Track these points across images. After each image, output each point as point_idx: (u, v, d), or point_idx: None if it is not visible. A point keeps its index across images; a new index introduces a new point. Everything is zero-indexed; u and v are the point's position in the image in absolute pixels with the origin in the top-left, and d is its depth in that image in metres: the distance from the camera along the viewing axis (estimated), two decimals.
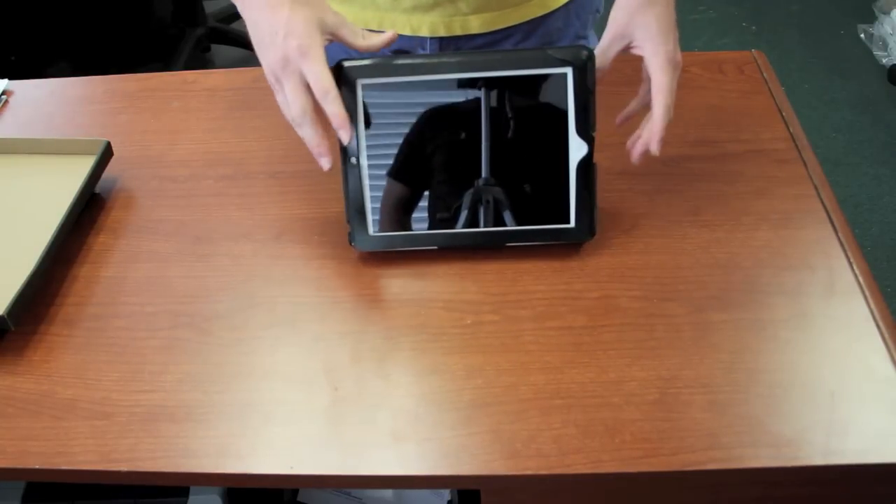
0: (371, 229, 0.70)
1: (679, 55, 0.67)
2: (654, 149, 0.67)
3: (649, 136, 0.67)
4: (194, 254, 0.74)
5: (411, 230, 0.71)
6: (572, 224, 0.69)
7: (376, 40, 0.66)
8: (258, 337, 0.66)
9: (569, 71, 0.63)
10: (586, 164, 0.68)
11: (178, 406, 0.62)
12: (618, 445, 0.57)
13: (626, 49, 0.69)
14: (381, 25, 0.88)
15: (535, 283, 0.69)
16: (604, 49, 0.69)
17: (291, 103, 0.64)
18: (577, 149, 0.66)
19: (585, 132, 0.66)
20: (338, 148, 0.68)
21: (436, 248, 0.71)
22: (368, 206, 0.70)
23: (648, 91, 0.67)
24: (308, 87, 0.63)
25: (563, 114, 0.65)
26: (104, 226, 0.77)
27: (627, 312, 0.66)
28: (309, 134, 0.64)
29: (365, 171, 0.69)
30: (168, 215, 0.78)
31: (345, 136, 0.64)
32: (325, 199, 0.77)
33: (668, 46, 0.66)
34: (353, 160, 0.68)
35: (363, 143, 0.68)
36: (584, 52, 0.64)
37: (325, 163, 0.65)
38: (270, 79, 0.65)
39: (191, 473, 0.59)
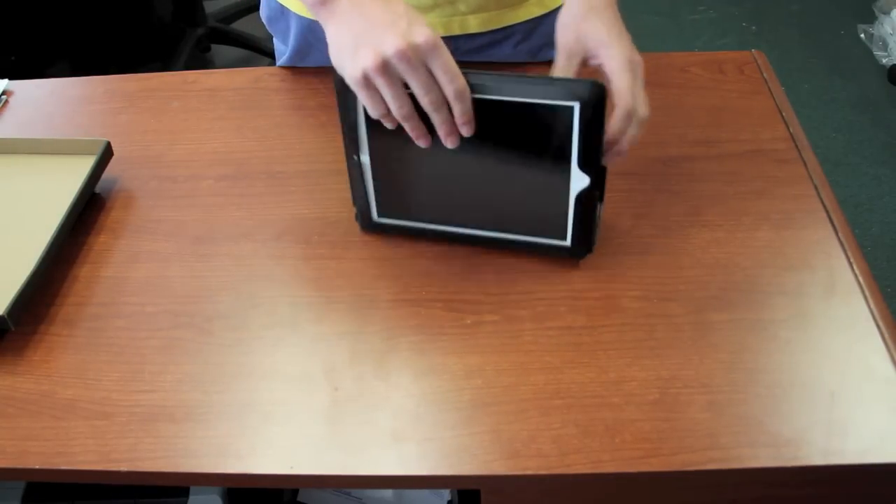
0: (375, 215, 0.72)
1: (637, 55, 0.64)
2: (619, 151, 0.64)
3: (615, 143, 0.64)
4: (194, 254, 0.74)
5: (411, 222, 0.72)
6: (568, 243, 0.68)
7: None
8: (258, 337, 0.66)
9: (576, 105, 0.60)
10: (588, 194, 0.65)
11: (178, 406, 0.62)
12: (618, 445, 0.57)
13: (584, 63, 0.66)
14: None
15: (535, 283, 0.69)
16: (562, 69, 0.67)
17: (424, 95, 0.58)
18: (577, 180, 0.64)
19: (588, 165, 0.64)
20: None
21: (434, 236, 0.72)
22: (372, 197, 0.71)
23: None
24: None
25: (567, 145, 0.63)
26: (104, 226, 0.77)
27: (627, 312, 0.66)
28: (415, 125, 0.61)
29: (367, 168, 0.69)
30: (168, 215, 0.78)
31: (467, 131, 0.61)
32: (325, 199, 0.77)
33: (622, 47, 0.64)
34: (355, 158, 0.68)
35: (365, 143, 0.67)
36: (595, 89, 0.60)
37: (424, 143, 0.62)
38: (377, 69, 0.57)
39: (191, 473, 0.59)
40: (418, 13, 0.59)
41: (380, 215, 0.72)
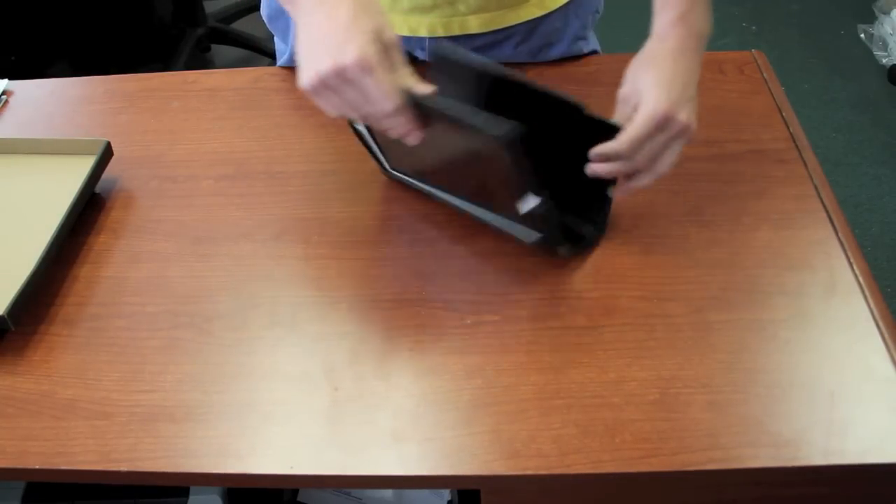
0: (388, 167, 0.76)
1: (682, 113, 0.62)
2: (622, 190, 0.66)
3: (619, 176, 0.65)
4: (194, 254, 0.74)
5: (415, 180, 0.75)
6: (538, 236, 0.68)
7: (409, 84, 0.59)
8: (258, 337, 0.66)
9: (498, 140, 0.57)
10: (541, 211, 0.63)
11: (178, 406, 0.62)
12: (618, 445, 0.57)
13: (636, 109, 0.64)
14: None
15: (535, 283, 0.69)
16: (619, 114, 0.66)
17: (355, 112, 0.59)
18: (528, 202, 0.62)
19: (531, 191, 0.62)
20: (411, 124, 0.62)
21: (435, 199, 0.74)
22: (380, 154, 0.75)
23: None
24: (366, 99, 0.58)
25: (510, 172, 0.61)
26: (104, 226, 0.77)
27: (627, 312, 0.66)
28: (389, 124, 0.60)
29: (365, 133, 0.72)
30: (168, 215, 0.78)
31: (412, 140, 0.61)
32: (325, 199, 0.77)
33: (657, 101, 0.61)
34: (352, 125, 0.72)
35: None
36: (511, 130, 0.57)
37: (414, 139, 0.61)
38: (315, 85, 0.58)
39: (191, 473, 0.59)
40: (366, 20, 0.57)
41: (392, 168, 0.76)
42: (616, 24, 1.58)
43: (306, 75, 0.58)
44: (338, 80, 0.57)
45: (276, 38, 0.98)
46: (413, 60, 0.91)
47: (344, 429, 0.60)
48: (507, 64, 0.90)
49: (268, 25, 0.96)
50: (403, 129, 0.60)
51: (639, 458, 0.57)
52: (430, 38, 0.87)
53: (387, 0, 0.85)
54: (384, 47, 0.58)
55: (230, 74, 0.94)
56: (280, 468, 0.58)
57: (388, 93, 0.57)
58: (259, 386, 0.63)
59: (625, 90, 0.67)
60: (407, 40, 0.88)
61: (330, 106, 0.60)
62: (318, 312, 0.68)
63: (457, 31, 0.87)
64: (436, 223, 0.74)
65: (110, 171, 0.81)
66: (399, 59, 0.59)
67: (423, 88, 0.59)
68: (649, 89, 0.63)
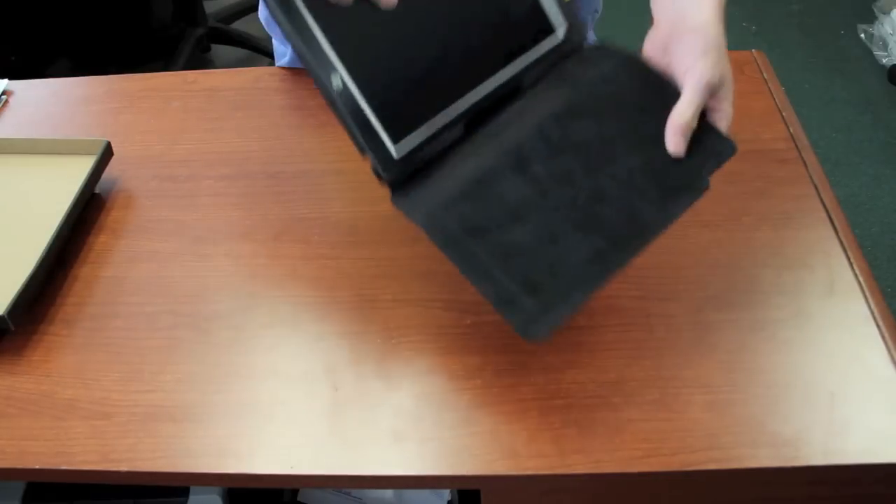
0: (391, 147, 0.59)
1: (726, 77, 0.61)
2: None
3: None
4: (194, 254, 0.74)
5: (429, 123, 0.60)
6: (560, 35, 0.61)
7: None
8: (258, 337, 0.66)
9: None
10: None
11: (178, 406, 0.62)
12: (618, 445, 0.57)
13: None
14: None
15: None
16: (696, 107, 0.61)
17: None
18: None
19: None
20: None
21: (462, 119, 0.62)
22: (377, 125, 0.58)
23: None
24: None
25: None
26: (104, 226, 0.77)
27: (627, 312, 0.66)
28: None
29: (353, 86, 0.58)
30: (168, 215, 0.78)
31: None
32: (325, 199, 0.77)
33: (710, 69, 0.60)
34: (337, 83, 0.57)
35: (335, 58, 0.57)
36: None
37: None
38: None
39: (191, 473, 0.59)
40: None
41: (396, 142, 0.59)
42: (616, 24, 1.58)
43: None
44: None
45: (274, 41, 0.98)
46: None
47: (344, 429, 0.60)
48: None
49: (266, 28, 0.96)
50: None
51: (639, 458, 0.57)
52: None
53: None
54: None
55: (230, 74, 0.94)
56: (280, 468, 0.58)
57: None
58: (259, 386, 0.63)
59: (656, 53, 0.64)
60: None
61: None
62: (318, 312, 0.68)
63: None
64: None
65: (110, 171, 0.81)
66: None
67: None
68: (698, 59, 0.60)
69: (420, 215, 0.58)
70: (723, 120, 0.62)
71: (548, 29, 0.64)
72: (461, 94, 0.61)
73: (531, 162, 0.61)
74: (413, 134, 0.60)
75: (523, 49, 0.64)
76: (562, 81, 0.65)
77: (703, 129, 0.61)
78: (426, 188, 0.61)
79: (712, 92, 0.61)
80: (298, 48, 0.57)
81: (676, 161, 0.61)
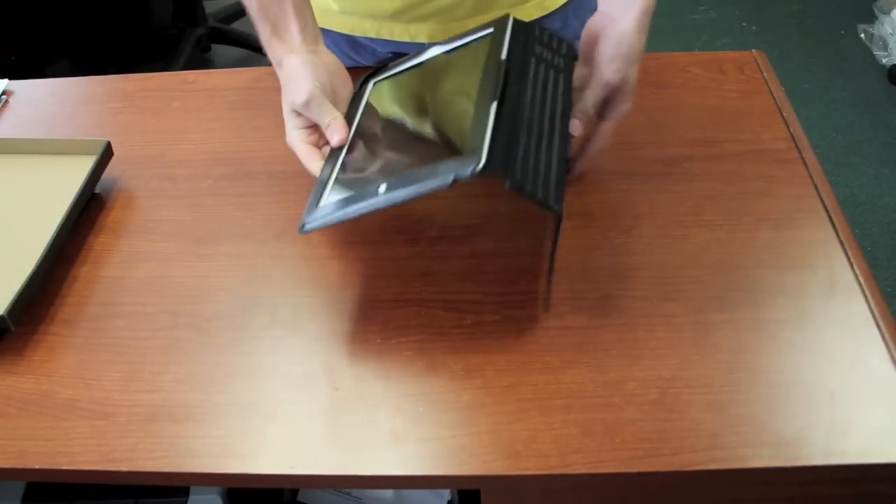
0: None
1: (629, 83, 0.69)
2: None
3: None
4: (194, 254, 0.74)
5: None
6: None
7: (332, 135, 0.70)
8: (258, 337, 0.66)
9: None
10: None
11: (179, 406, 0.62)
12: (618, 445, 0.57)
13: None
14: (380, 33, 0.88)
15: (535, 283, 0.69)
16: (596, 98, 0.69)
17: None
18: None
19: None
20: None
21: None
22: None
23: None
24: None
25: None
26: (104, 226, 0.77)
27: (627, 312, 0.66)
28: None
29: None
30: (168, 215, 0.78)
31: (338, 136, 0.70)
32: None
33: (629, 105, 0.70)
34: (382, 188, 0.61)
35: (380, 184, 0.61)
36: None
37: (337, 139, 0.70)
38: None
39: (191, 473, 0.59)
40: (306, 70, 0.71)
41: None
42: None
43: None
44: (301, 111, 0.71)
45: None
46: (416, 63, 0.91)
47: (344, 429, 0.60)
48: None
49: None
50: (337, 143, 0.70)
51: (639, 458, 0.57)
52: (430, 44, 0.87)
53: (388, 12, 0.85)
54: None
55: (230, 74, 0.94)
56: (280, 468, 0.58)
57: (324, 116, 0.70)
58: (259, 386, 0.63)
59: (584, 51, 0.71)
60: (407, 46, 0.88)
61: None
62: (318, 312, 0.68)
63: None
64: (436, 223, 0.74)
65: (110, 171, 0.81)
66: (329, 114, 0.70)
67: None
68: (607, 63, 0.68)
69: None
70: (614, 111, 0.70)
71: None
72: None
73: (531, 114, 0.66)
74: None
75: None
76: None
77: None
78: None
79: (611, 91, 0.69)
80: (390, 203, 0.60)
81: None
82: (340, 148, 0.70)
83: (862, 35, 2.29)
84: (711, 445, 0.57)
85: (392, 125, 0.72)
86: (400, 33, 0.87)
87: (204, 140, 0.85)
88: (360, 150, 0.69)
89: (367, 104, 0.75)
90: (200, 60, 2.25)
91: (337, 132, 0.70)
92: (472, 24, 0.86)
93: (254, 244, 0.74)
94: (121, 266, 0.73)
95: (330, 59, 0.74)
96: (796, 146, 0.80)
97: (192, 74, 0.95)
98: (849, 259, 0.69)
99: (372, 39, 0.89)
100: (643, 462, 0.56)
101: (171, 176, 0.82)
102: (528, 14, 0.87)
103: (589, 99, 0.69)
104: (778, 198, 0.75)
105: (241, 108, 0.89)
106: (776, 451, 0.57)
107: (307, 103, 0.70)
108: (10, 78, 0.96)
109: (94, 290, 0.71)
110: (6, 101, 0.93)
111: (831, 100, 2.10)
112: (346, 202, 0.62)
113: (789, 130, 0.82)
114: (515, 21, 0.72)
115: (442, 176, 0.56)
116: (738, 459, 0.56)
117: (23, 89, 0.95)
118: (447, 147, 0.63)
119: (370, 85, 0.78)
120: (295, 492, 0.93)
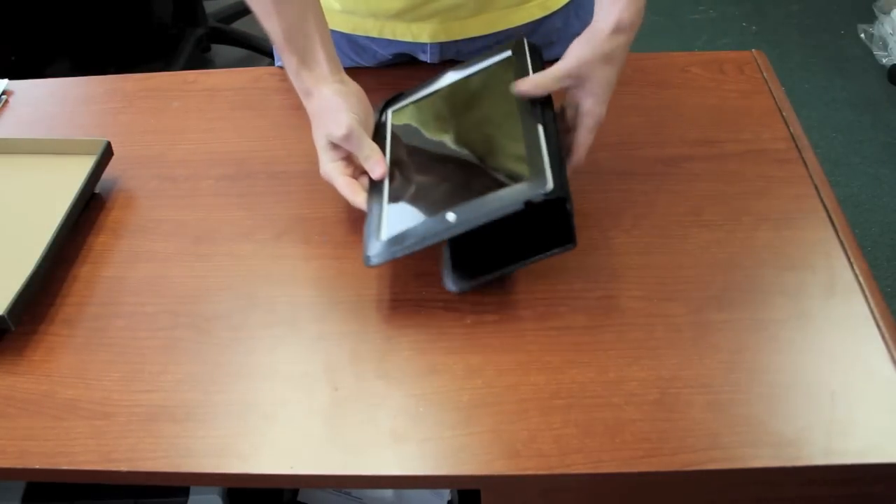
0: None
1: (604, 115, 0.70)
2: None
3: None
4: (194, 254, 0.74)
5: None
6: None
7: (373, 169, 0.71)
8: (258, 337, 0.66)
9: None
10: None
11: (179, 406, 0.62)
12: (618, 445, 0.57)
13: (567, 87, 0.69)
14: (382, 33, 0.88)
15: (535, 283, 0.69)
16: (556, 78, 0.68)
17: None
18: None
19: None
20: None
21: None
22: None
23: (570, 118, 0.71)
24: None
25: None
26: (104, 226, 0.77)
27: (627, 312, 0.66)
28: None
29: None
30: (168, 215, 0.78)
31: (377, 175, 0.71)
32: (325, 199, 0.77)
33: (602, 110, 0.69)
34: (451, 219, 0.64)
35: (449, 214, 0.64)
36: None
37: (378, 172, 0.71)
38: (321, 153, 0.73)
39: (191, 473, 0.59)
40: (340, 101, 0.71)
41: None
42: None
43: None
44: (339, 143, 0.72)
45: None
46: (416, 63, 0.91)
47: (344, 429, 0.60)
48: None
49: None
50: (377, 176, 0.71)
51: (639, 458, 0.57)
52: (432, 44, 0.87)
53: (391, 11, 0.85)
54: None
55: (230, 74, 0.94)
56: (280, 468, 0.58)
57: (362, 150, 0.71)
58: (259, 386, 0.63)
59: (577, 68, 0.69)
60: (409, 45, 0.88)
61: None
62: (318, 312, 0.68)
63: (458, 36, 0.87)
64: None
65: (110, 171, 0.81)
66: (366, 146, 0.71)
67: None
68: (599, 97, 0.69)
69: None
70: (588, 116, 0.69)
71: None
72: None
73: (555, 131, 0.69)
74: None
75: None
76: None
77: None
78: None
79: (572, 82, 0.69)
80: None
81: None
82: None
83: (862, 35, 2.28)
84: (711, 445, 0.57)
85: (428, 153, 0.72)
86: (402, 33, 0.87)
87: (204, 140, 0.85)
88: (404, 180, 0.70)
89: (394, 133, 0.76)
90: (200, 60, 2.24)
91: (378, 165, 0.70)
92: (474, 24, 0.86)
93: (254, 244, 0.74)
94: (121, 266, 0.73)
95: (356, 88, 0.75)
96: (796, 146, 0.80)
97: (192, 74, 0.95)
98: (849, 259, 0.69)
99: (373, 40, 0.89)
100: (643, 462, 0.56)
101: (171, 176, 0.82)
102: (531, 14, 0.87)
103: (541, 77, 0.68)
104: (778, 198, 0.75)
105: (241, 108, 0.89)
106: (776, 451, 0.57)
107: (347, 137, 0.70)
108: (10, 78, 0.96)
109: (94, 290, 0.71)
110: (6, 101, 0.93)
111: (831, 100, 2.10)
112: (414, 233, 0.65)
113: (789, 130, 0.82)
114: (529, 44, 0.73)
115: (512, 202, 0.61)
116: (738, 459, 0.56)
117: (23, 89, 0.95)
118: (500, 171, 0.66)
119: (389, 113, 0.79)
120: (295, 492, 0.93)
